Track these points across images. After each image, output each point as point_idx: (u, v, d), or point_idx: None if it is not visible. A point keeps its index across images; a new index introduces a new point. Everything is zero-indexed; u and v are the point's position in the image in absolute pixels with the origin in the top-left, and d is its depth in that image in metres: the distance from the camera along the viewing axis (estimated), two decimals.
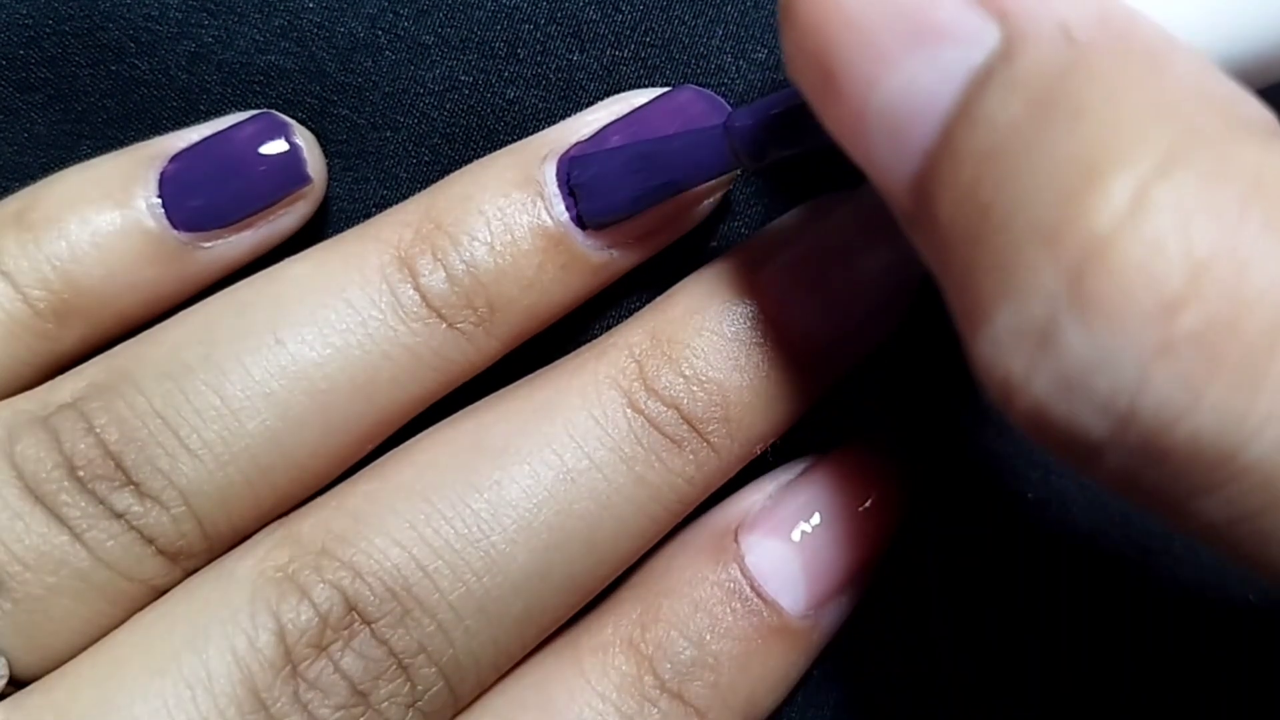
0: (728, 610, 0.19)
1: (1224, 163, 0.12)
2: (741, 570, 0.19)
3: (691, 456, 0.19)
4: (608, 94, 0.21)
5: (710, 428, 0.19)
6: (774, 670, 0.20)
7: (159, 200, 0.20)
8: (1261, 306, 0.11)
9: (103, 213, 0.20)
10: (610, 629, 0.19)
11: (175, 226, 0.20)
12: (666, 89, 0.21)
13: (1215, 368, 0.11)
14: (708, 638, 0.19)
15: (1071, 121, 0.12)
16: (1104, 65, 0.12)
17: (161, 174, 0.21)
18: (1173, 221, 0.11)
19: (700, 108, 0.20)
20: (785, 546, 0.20)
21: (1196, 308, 0.11)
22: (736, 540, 0.20)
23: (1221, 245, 0.11)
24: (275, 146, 0.21)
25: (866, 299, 0.20)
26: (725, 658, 0.19)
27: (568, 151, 0.20)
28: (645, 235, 0.20)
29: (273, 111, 0.22)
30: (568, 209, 0.20)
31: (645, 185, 0.19)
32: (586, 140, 0.20)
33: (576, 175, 0.19)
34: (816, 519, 0.20)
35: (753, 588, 0.19)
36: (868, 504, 0.20)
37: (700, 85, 0.21)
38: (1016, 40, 0.13)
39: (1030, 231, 0.12)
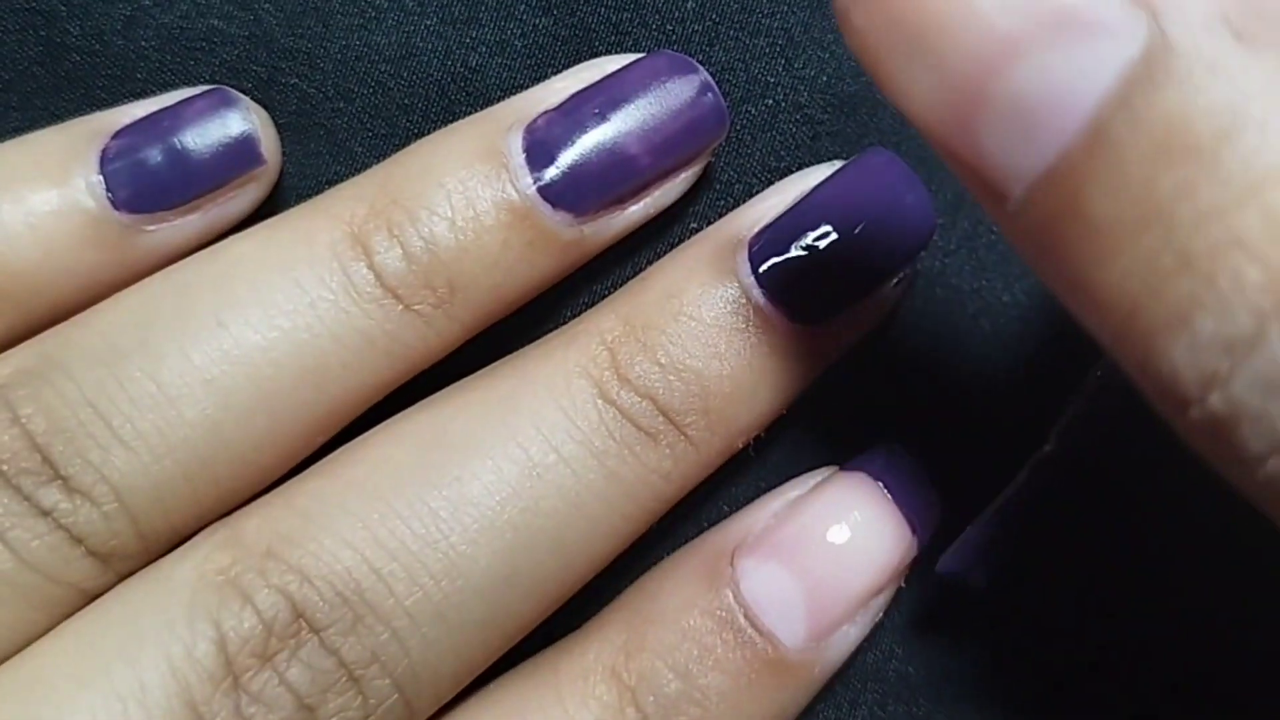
0: (718, 641, 0.19)
1: None
2: (735, 597, 0.19)
3: (668, 450, 0.19)
4: (577, 61, 0.21)
5: (688, 419, 0.19)
6: (768, 708, 0.19)
7: (100, 179, 0.20)
8: None
9: (39, 191, 0.20)
10: (593, 654, 0.19)
11: (117, 208, 0.20)
12: (640, 55, 0.20)
13: None
14: (694, 670, 0.18)
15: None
16: None
17: (103, 151, 0.20)
18: None
19: (676, 73, 0.20)
20: (785, 572, 0.19)
21: None
22: (733, 564, 0.19)
23: None
24: (227, 124, 0.20)
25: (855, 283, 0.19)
26: (714, 693, 0.18)
27: (534, 118, 0.19)
28: (619, 205, 0.20)
29: (224, 87, 0.21)
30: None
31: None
32: (555, 108, 0.20)
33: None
34: (823, 541, 0.19)
35: (747, 617, 0.19)
36: (882, 526, 0.19)
37: (675, 50, 0.21)
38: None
39: (1228, 237, 0.12)
